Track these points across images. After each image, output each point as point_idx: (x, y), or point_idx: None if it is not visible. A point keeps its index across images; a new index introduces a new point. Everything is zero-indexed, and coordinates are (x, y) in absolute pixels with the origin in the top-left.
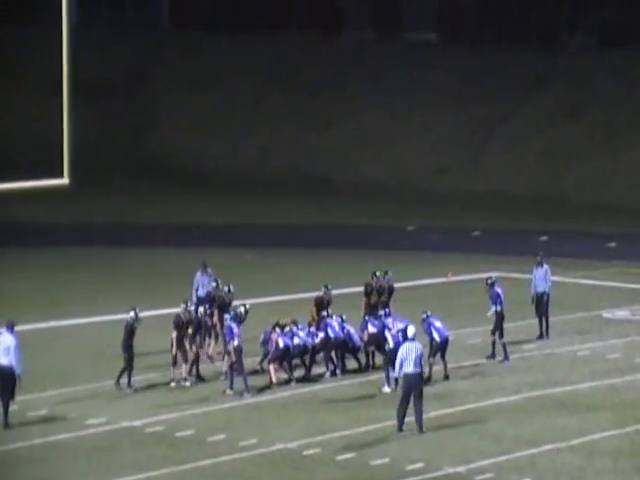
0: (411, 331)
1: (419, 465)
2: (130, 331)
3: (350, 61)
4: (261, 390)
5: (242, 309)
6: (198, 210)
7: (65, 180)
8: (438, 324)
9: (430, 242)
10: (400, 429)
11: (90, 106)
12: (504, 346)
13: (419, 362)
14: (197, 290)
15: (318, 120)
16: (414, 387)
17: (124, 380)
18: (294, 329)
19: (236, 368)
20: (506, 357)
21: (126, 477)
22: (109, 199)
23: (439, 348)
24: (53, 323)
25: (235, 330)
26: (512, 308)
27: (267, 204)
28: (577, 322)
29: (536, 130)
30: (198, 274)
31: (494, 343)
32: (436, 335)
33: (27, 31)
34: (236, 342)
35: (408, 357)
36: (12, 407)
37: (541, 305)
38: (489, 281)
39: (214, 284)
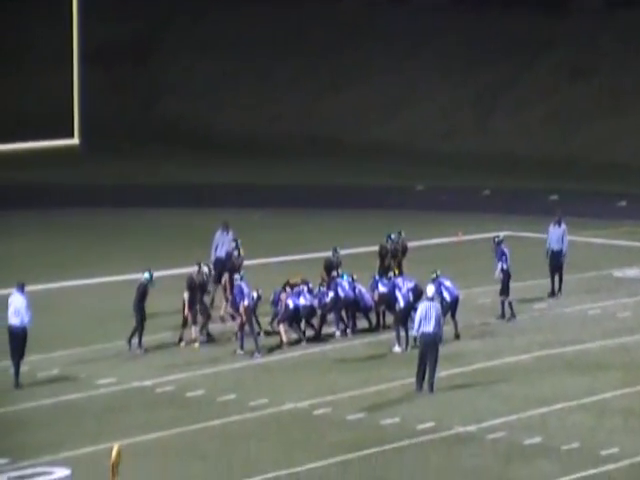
0: (430, 291)
1: (430, 424)
2: (143, 292)
3: (359, 24)
4: (271, 350)
5: (255, 294)
6: (208, 172)
7: (75, 140)
8: (448, 283)
9: (439, 202)
10: (419, 389)
11: (99, 71)
12: (510, 305)
13: (438, 322)
14: (216, 249)
15: (327, 83)
16: (431, 347)
17: (135, 340)
18: (302, 288)
19: (246, 328)
20: (513, 315)
21: (136, 437)
22: (118, 163)
23: (449, 307)
24: (63, 284)
25: (245, 290)
26: (522, 267)
27: (276, 166)
28: (588, 281)
29: (543, 92)
30: (218, 233)
31: (503, 303)
32: (446, 294)
33: None
34: (246, 302)
35: (427, 316)
36: (23, 368)
37: (556, 263)
38: (496, 239)
39: (233, 244)
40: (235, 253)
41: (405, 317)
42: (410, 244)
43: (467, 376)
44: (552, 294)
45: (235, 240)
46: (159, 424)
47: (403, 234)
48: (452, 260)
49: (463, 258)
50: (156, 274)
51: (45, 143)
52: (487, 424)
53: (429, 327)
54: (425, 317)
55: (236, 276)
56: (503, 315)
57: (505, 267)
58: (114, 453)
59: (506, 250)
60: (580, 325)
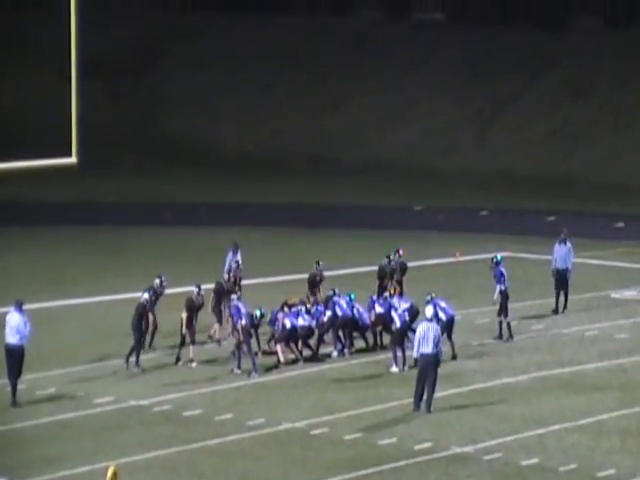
0: (429, 312)
1: (427, 445)
2: (142, 312)
3: (358, 42)
4: (269, 370)
5: (258, 312)
6: (206, 190)
7: (73, 159)
8: (443, 304)
9: (437, 222)
10: (416, 409)
11: (98, 85)
12: (509, 325)
13: (436, 343)
14: (228, 271)
15: (327, 100)
16: (430, 367)
17: (132, 359)
18: (300, 309)
19: (244, 348)
20: (510, 336)
21: (133, 456)
22: (117, 178)
23: (445, 327)
24: (62, 302)
25: (242, 310)
26: (520, 288)
27: (275, 184)
28: (585, 302)
29: (543, 110)
30: (230, 254)
31: (501, 324)
32: (442, 315)
33: (31, 10)
34: (244, 321)
35: (426, 337)
36: (20, 386)
37: (561, 281)
38: (494, 260)
39: (234, 265)
40: (234, 265)
41: (402, 337)
42: (408, 264)
43: (464, 396)
44: (555, 312)
45: (237, 261)
46: (156, 443)
47: (401, 252)
48: (450, 280)
49: (461, 278)
50: None
51: (42, 162)
52: (484, 444)
53: (428, 348)
54: (424, 338)
55: (233, 296)
56: (501, 336)
57: (503, 288)
58: (109, 474)
59: (504, 271)
60: (577, 346)
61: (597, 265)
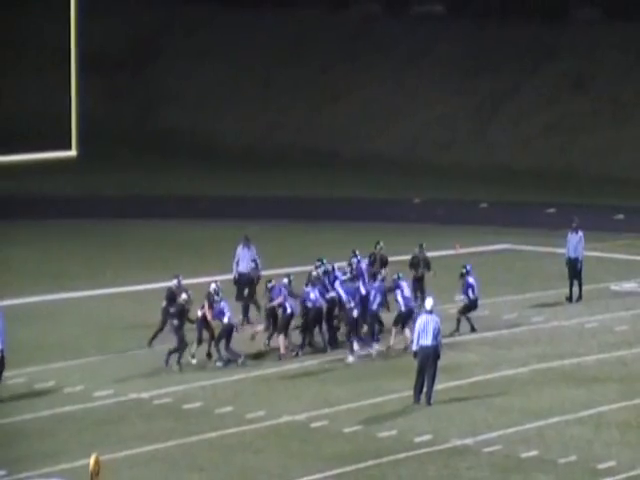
0: (429, 304)
1: (427, 437)
2: (181, 312)
3: (358, 35)
4: (258, 357)
5: (286, 280)
6: (205, 183)
7: (73, 152)
8: (407, 293)
9: (437, 214)
10: (416, 401)
11: (98, 79)
12: (459, 320)
13: (436, 335)
14: (237, 264)
15: (326, 94)
16: (430, 360)
17: (174, 357)
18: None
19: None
20: (457, 330)
21: (133, 449)
22: (116, 172)
23: (403, 318)
24: (61, 295)
25: (227, 313)
26: (520, 280)
27: (274, 177)
28: (585, 294)
29: (542, 103)
30: (239, 248)
31: (469, 319)
32: (401, 301)
33: (31, 4)
34: (226, 319)
35: (425, 330)
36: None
37: (574, 270)
38: (463, 271)
39: (252, 264)
40: (252, 265)
41: (355, 326)
42: (406, 257)
43: (464, 389)
44: (570, 300)
45: (255, 260)
46: (156, 436)
47: (382, 244)
48: (449, 273)
49: (459, 271)
50: (153, 286)
51: (42, 155)
52: (484, 437)
53: (427, 340)
54: (423, 330)
55: (216, 297)
56: (473, 328)
57: (472, 297)
58: (92, 462)
59: (472, 281)
60: (577, 338)
61: (597, 257)
